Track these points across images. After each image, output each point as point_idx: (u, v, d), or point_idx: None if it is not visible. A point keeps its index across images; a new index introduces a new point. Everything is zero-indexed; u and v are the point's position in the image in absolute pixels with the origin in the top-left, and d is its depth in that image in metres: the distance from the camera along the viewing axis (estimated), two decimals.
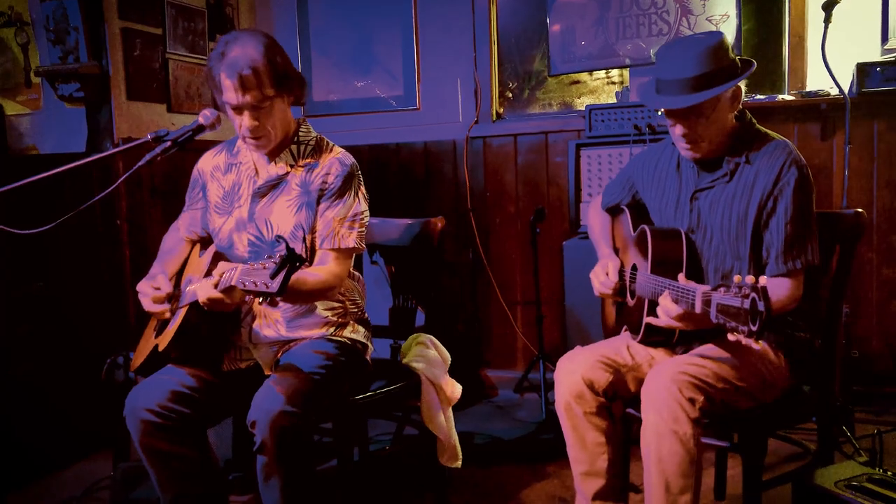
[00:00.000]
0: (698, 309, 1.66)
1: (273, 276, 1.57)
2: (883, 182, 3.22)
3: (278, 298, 1.64)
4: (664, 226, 2.09)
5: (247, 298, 1.67)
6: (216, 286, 1.76)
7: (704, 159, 1.99)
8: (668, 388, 1.76)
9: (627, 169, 2.28)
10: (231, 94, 1.90)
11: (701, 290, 1.65)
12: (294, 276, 1.84)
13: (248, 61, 1.88)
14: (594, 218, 2.37)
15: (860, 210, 2.03)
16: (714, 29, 3.14)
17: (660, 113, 2.01)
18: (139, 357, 2.08)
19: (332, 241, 2.00)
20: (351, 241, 2.02)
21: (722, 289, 1.57)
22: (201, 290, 1.79)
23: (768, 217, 1.90)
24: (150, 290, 1.97)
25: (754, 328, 1.47)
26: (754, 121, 2.01)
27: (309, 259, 2.04)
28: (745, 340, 1.50)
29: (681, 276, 1.77)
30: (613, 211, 2.33)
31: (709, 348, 1.93)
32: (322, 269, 1.99)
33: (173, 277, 2.13)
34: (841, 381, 2.89)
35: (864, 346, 3.25)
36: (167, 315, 1.98)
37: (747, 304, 1.48)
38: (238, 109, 1.92)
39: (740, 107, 1.97)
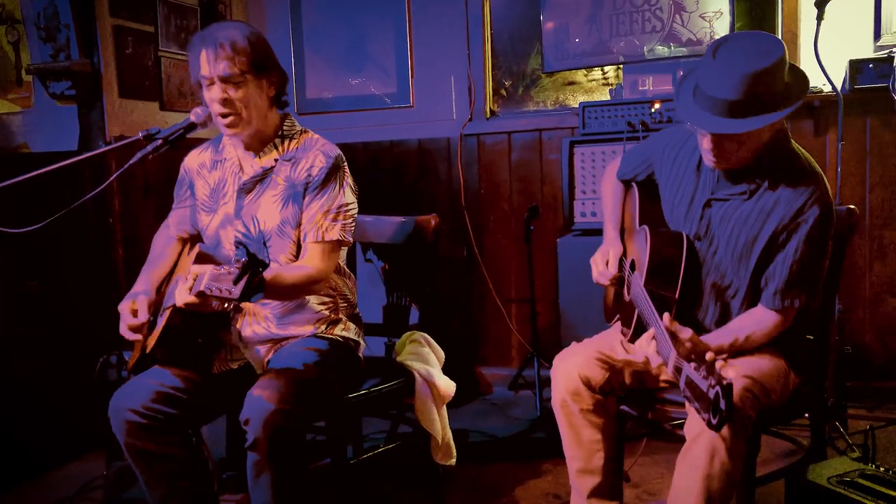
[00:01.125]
0: (669, 370, 1.63)
1: (235, 283, 1.56)
2: (875, 179, 3.23)
3: (241, 306, 1.62)
4: (669, 228, 2.04)
5: (213, 304, 1.65)
6: (190, 289, 1.73)
7: (727, 170, 1.90)
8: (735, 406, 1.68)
9: (648, 146, 2.17)
10: (205, 66, 1.90)
11: (674, 355, 1.61)
12: (274, 272, 1.83)
13: (227, 36, 1.90)
14: (607, 188, 2.29)
15: (853, 207, 2.03)
16: (706, 26, 3.14)
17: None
18: (133, 357, 2.07)
19: (316, 234, 1.99)
20: (335, 233, 2.00)
21: (693, 363, 1.53)
22: (178, 293, 1.76)
23: (776, 250, 1.83)
24: (129, 316, 1.94)
25: (714, 421, 1.44)
26: (789, 135, 1.89)
27: (296, 253, 2.03)
28: (734, 373, 1.47)
29: (666, 316, 1.69)
30: (627, 183, 2.25)
31: (746, 356, 1.86)
32: (306, 263, 1.98)
33: (162, 285, 2.11)
34: (834, 377, 2.90)
35: (856, 342, 3.25)
36: (141, 344, 1.96)
37: (712, 394, 1.44)
38: (210, 82, 1.91)
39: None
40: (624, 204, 2.26)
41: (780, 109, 1.72)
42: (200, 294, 1.67)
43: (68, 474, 2.92)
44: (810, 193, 1.80)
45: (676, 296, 1.87)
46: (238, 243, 1.60)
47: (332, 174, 2.01)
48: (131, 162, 1.86)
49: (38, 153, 3.39)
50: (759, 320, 1.87)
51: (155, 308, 2.02)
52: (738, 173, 1.88)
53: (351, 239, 2.06)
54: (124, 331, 1.95)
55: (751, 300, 1.92)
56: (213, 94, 1.92)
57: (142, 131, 1.89)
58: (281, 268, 1.96)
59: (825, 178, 1.85)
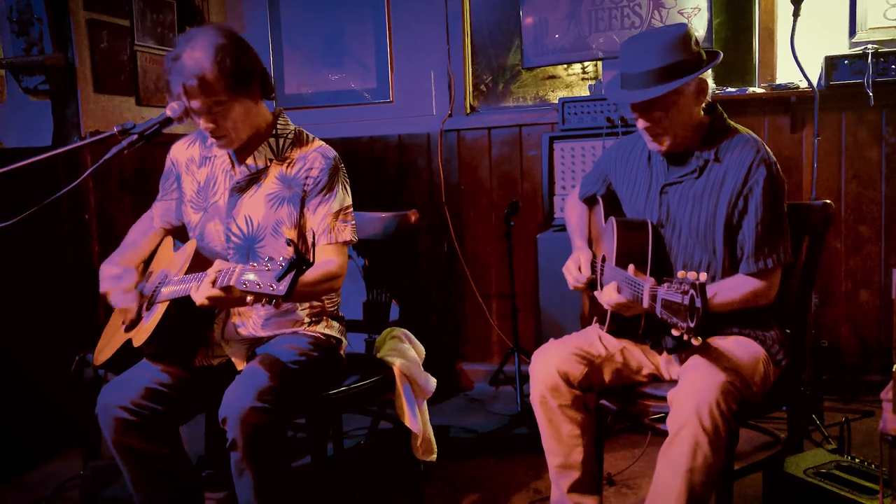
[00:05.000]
0: (646, 304, 1.66)
1: (279, 279, 1.55)
2: (850, 174, 3.27)
3: (284, 301, 1.62)
4: (633, 217, 2.09)
5: (248, 300, 1.64)
6: (214, 283, 1.71)
7: (672, 153, 1.99)
8: (716, 399, 1.70)
9: (602, 160, 2.28)
10: (184, 100, 1.87)
11: (648, 285, 1.66)
12: (302, 276, 1.83)
13: (194, 70, 1.81)
14: (571, 209, 2.38)
15: (828, 201, 2.06)
16: (685, 22, 3.16)
17: (633, 115, 2.00)
18: (105, 351, 2.04)
19: (330, 236, 2.00)
20: (347, 234, 2.02)
21: (666, 284, 1.58)
22: (199, 289, 1.73)
23: (740, 217, 1.91)
24: (120, 286, 1.93)
25: (692, 325, 1.48)
26: (725, 115, 2.01)
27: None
28: (685, 337, 1.51)
29: (631, 267, 1.78)
30: (590, 201, 2.33)
31: (726, 348, 1.88)
32: (327, 263, 1.97)
33: (139, 269, 2.09)
34: (810, 371, 2.93)
35: (832, 336, 3.30)
36: (131, 316, 1.95)
37: (686, 300, 1.49)
38: (194, 112, 1.89)
39: (708, 100, 1.97)
40: (589, 219, 2.32)
41: (695, 71, 1.87)
42: (226, 289, 1.66)
43: (45, 473, 2.88)
44: (754, 156, 1.91)
45: (648, 272, 1.89)
46: (289, 241, 1.59)
47: (334, 176, 2.02)
48: (106, 157, 1.83)
49: (10, 149, 3.33)
50: (734, 285, 1.91)
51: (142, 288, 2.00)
52: (684, 155, 1.98)
53: (356, 238, 2.08)
54: (121, 300, 1.95)
55: (730, 275, 1.96)
56: (201, 124, 1.91)
57: (117, 126, 1.85)
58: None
59: (763, 140, 1.96)
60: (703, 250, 1.97)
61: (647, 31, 2.00)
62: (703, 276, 1.49)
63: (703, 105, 1.96)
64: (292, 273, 1.55)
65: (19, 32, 3.17)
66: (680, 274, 1.55)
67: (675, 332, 1.54)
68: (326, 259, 1.98)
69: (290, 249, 1.55)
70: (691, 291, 1.48)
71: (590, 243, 2.26)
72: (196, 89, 1.83)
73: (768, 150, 1.94)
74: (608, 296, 1.85)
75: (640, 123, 1.94)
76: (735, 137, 1.95)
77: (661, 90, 1.84)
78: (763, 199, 1.88)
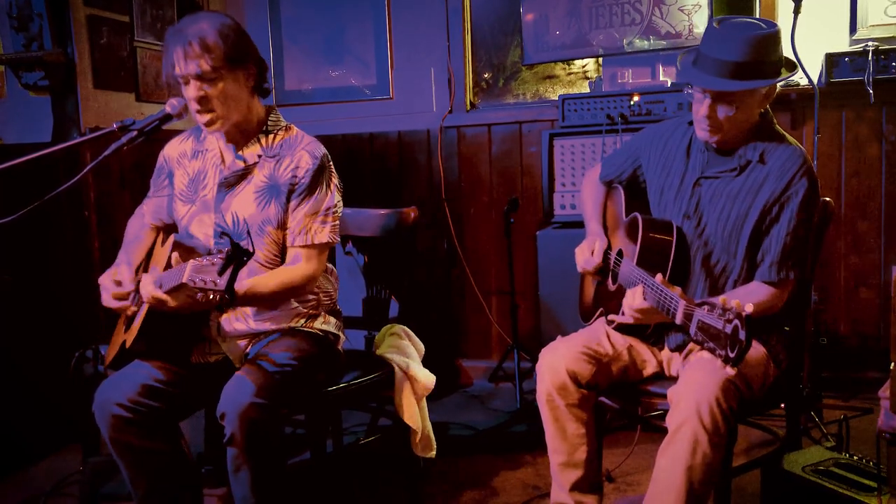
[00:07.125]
0: (678, 320, 1.65)
1: (220, 273, 1.55)
2: (851, 171, 3.27)
3: (228, 297, 1.62)
4: (658, 215, 2.06)
5: (198, 296, 1.64)
6: (160, 285, 1.73)
7: (717, 147, 1.96)
8: (716, 396, 1.70)
9: (635, 141, 2.21)
10: (178, 65, 1.87)
11: (684, 303, 1.64)
12: (253, 281, 1.83)
13: (197, 32, 1.86)
14: (588, 191, 2.33)
15: (828, 199, 2.05)
16: (685, 19, 3.16)
17: (688, 91, 1.98)
18: (111, 352, 2.05)
19: (304, 238, 1.98)
20: (324, 235, 2.00)
21: (706, 307, 1.56)
22: (144, 287, 1.75)
23: (771, 224, 1.89)
24: (111, 285, 1.94)
25: (732, 355, 1.46)
26: (774, 120, 1.99)
27: (281, 256, 2.02)
28: (719, 364, 1.50)
29: (658, 277, 1.75)
30: (610, 184, 2.29)
31: None
32: (292, 269, 1.97)
33: (139, 267, 2.10)
34: (809, 368, 2.94)
35: (832, 333, 3.30)
36: (130, 311, 1.95)
37: (729, 328, 1.46)
38: (185, 81, 1.89)
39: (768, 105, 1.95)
40: (605, 204, 2.29)
41: (776, 77, 1.85)
42: (177, 287, 1.65)
43: (43, 470, 2.88)
44: (798, 166, 1.88)
45: (667, 276, 1.88)
46: (222, 233, 1.59)
47: (318, 176, 1.99)
48: (106, 153, 1.83)
49: (10, 144, 3.33)
50: (750, 291, 1.89)
51: (133, 294, 2.00)
52: (727, 152, 1.96)
53: (338, 239, 2.06)
54: (108, 300, 1.95)
55: (745, 280, 1.95)
56: (189, 93, 1.89)
57: (116, 122, 1.86)
58: (259, 277, 1.94)
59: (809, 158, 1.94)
60: (724, 250, 1.95)
61: (740, 20, 1.91)
62: (750, 308, 1.46)
63: (763, 108, 1.94)
64: (231, 267, 1.54)
65: (19, 28, 3.17)
66: (721, 299, 1.52)
67: (707, 356, 1.53)
68: (294, 266, 1.97)
69: (227, 241, 1.55)
70: (736, 321, 1.45)
71: (604, 229, 2.22)
72: (196, 50, 1.84)
73: (811, 164, 1.91)
74: (632, 300, 1.82)
75: (703, 110, 1.89)
76: (783, 144, 1.93)
77: (743, 85, 1.82)
78: (798, 211, 1.87)
